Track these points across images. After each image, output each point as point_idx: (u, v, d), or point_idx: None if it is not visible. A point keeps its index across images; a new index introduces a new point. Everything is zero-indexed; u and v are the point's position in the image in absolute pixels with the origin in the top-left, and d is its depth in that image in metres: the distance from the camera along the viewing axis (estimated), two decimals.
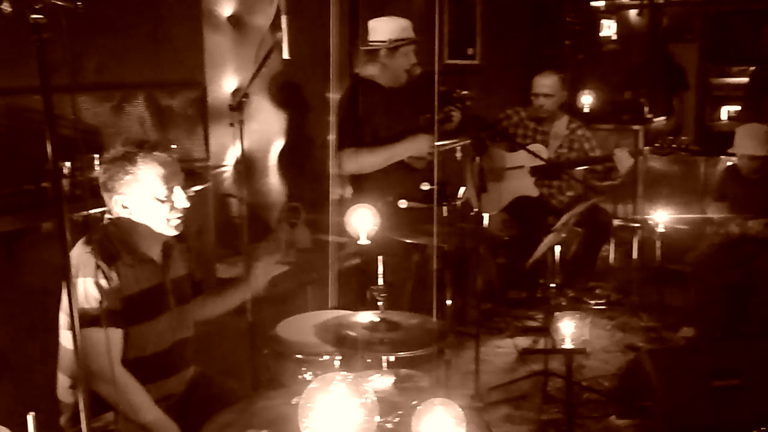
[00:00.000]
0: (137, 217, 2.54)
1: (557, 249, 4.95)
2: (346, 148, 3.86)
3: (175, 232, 2.61)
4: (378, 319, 2.41)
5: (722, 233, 4.82)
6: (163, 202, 2.53)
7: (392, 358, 2.46)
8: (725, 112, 7.41)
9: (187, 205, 2.58)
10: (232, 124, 3.71)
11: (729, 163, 4.95)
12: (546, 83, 5.27)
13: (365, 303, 2.62)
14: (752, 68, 6.58)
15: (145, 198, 2.51)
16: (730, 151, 4.82)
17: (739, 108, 6.75)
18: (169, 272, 2.66)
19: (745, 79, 6.69)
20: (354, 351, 2.29)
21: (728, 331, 4.67)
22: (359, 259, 4.18)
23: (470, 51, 6.40)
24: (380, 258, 2.41)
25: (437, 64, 6.02)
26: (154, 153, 2.52)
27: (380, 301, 2.42)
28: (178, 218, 2.58)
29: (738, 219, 4.74)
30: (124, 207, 2.53)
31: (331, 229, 4.71)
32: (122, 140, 2.58)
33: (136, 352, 2.52)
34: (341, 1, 5.20)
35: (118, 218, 2.55)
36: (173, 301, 2.66)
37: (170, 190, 2.53)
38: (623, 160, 4.85)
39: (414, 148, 3.93)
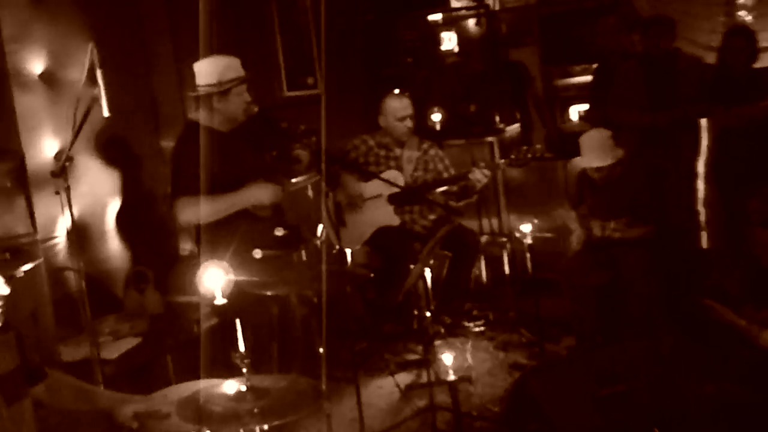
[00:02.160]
0: None
1: (427, 276, 5.02)
2: (181, 197, 3.77)
3: None
4: (244, 388, 2.35)
5: (585, 237, 5.01)
6: None
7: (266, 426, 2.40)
8: (575, 112, 7.72)
9: (6, 291, 2.43)
10: (57, 192, 3.57)
11: (581, 169, 5.16)
12: (405, 104, 5.36)
13: (231, 368, 2.56)
14: (594, 65, 6.90)
15: None
16: (577, 160, 5.02)
17: (587, 106, 7.06)
18: None
19: (589, 78, 7.01)
20: (222, 428, 2.22)
21: (607, 335, 4.85)
22: (216, 320, 4.09)
23: (310, 80, 6.42)
24: (238, 321, 2.35)
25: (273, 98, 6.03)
26: None
27: (244, 367, 2.36)
28: None
29: (599, 222, 4.94)
30: None
31: (185, 289, 4.61)
32: None
33: None
34: (164, 45, 5.13)
35: None
36: (1, 401, 2.50)
37: None
38: (479, 177, 4.97)
39: (255, 197, 3.88)
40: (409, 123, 5.33)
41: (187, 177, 3.74)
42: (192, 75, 3.99)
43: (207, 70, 3.91)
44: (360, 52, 7.09)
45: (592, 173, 4.95)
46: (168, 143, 5.00)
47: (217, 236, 3.84)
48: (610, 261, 4.91)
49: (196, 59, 3.97)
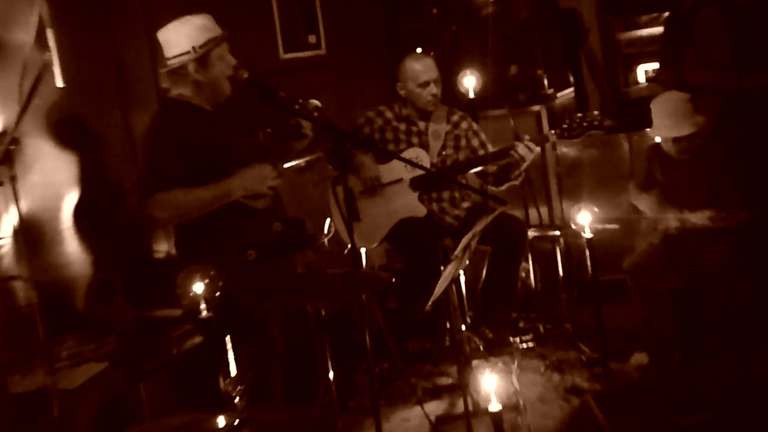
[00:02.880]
0: None
1: (462, 280, 5.00)
2: (155, 193, 3.78)
3: None
4: (236, 423, 2.34)
5: (660, 229, 4.99)
6: None
7: None
8: (642, 72, 7.70)
9: None
10: (1, 183, 3.58)
11: (655, 141, 5.14)
12: (429, 66, 5.35)
13: (221, 398, 2.55)
14: (665, 14, 6.86)
15: None
16: (649, 131, 5.02)
17: (657, 65, 7.02)
18: None
19: (659, 29, 6.97)
20: None
21: (688, 350, 4.82)
22: (201, 338, 4.10)
23: (312, 39, 6.42)
24: (228, 339, 2.34)
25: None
26: None
27: (237, 396, 2.35)
28: None
29: (675, 211, 4.92)
30: None
31: (161, 301, 4.61)
32: None
33: None
34: (133, 6, 5.14)
35: None
36: None
37: None
38: (524, 153, 4.96)
39: (245, 184, 3.88)
40: (434, 89, 5.33)
41: (164, 168, 3.75)
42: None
43: (175, 38, 3.92)
44: (374, 2, 7.08)
45: (666, 147, 4.93)
46: (136, 121, 5.00)
47: (201, 234, 3.85)
48: (691, 258, 4.88)
49: (173, 15, 3.95)
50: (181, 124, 3.85)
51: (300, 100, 3.90)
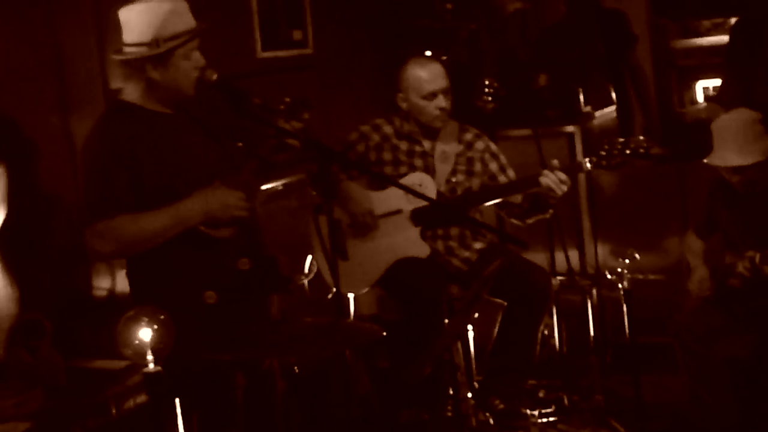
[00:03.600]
0: None
1: (470, 336, 5.01)
2: (96, 221, 3.78)
3: None
4: None
5: (714, 281, 5.00)
6: None
7: None
8: (701, 90, 7.75)
9: None
10: None
11: (717, 174, 5.15)
12: (437, 73, 5.34)
13: None
14: (732, 20, 6.90)
15: None
16: (707, 159, 5.02)
17: (719, 82, 7.07)
18: None
19: (724, 38, 7.01)
20: None
21: None
22: (146, 397, 4.10)
23: (297, 35, 6.45)
24: (178, 401, 2.37)
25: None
26: None
27: None
28: None
29: (741, 257, 4.92)
30: None
31: (99, 349, 4.62)
32: None
33: None
34: None
35: None
36: None
37: None
38: (552, 184, 4.96)
39: (206, 208, 3.87)
40: (442, 102, 5.31)
41: (106, 190, 3.75)
42: (117, 25, 3.99)
43: (137, 21, 3.91)
44: None
45: (729, 177, 4.93)
46: (79, 125, 5.02)
47: (151, 270, 3.85)
48: (755, 319, 4.89)
49: (127, 1, 3.97)
50: (129, 135, 3.82)
51: (287, 99, 3.89)
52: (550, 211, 5.24)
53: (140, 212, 3.76)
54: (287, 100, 3.93)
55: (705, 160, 4.99)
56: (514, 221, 5.37)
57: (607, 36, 7.25)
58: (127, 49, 3.91)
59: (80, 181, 3.93)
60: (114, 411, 4.27)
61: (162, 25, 3.87)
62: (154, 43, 3.86)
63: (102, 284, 5.14)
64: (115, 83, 4.81)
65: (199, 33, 3.94)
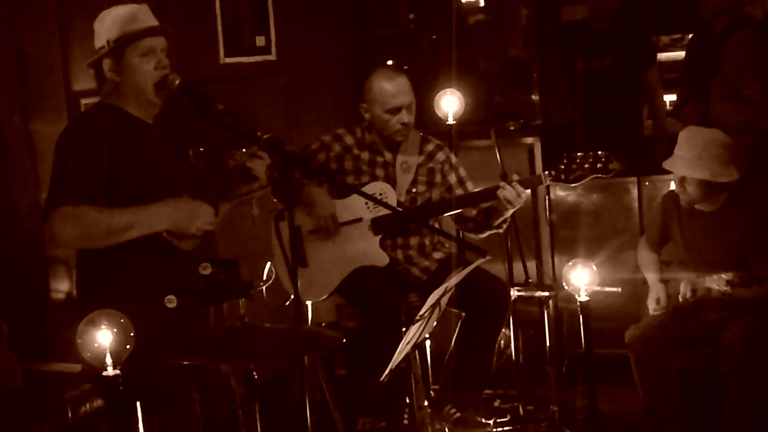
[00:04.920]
0: None
1: (428, 346, 5.03)
2: (63, 206, 3.76)
3: None
4: None
5: (672, 295, 5.05)
6: None
7: None
8: None
9: None
10: None
11: (671, 188, 5.20)
12: (402, 87, 5.31)
13: None
14: (689, 36, 6.96)
15: None
16: (665, 162, 5.06)
17: (674, 97, 7.11)
18: None
19: (681, 54, 7.07)
20: None
21: None
22: (103, 402, 4.09)
23: (261, 41, 6.45)
24: (138, 405, 2.37)
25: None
26: None
27: None
28: None
29: (690, 271, 4.97)
30: None
31: (56, 353, 4.61)
32: None
33: None
34: None
35: None
36: None
37: None
38: (511, 196, 4.98)
39: (173, 218, 3.86)
40: (405, 117, 5.30)
41: (79, 178, 3.73)
42: (84, 22, 3.99)
43: (98, 28, 3.93)
44: (338, 1, 7.13)
45: (680, 191, 5.00)
46: (41, 127, 5.01)
47: (112, 273, 3.83)
48: (707, 333, 4.94)
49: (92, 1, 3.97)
50: (109, 133, 3.82)
51: (259, 133, 3.88)
52: (504, 225, 5.27)
53: (110, 208, 3.75)
54: (259, 134, 3.92)
55: (663, 164, 5.03)
56: (469, 234, 5.41)
57: (566, 48, 7.24)
58: (97, 54, 3.93)
59: (53, 170, 3.89)
60: (70, 414, 4.25)
61: (111, 27, 3.88)
62: (107, 44, 3.88)
63: (60, 287, 5.12)
64: (78, 85, 4.80)
65: (150, 32, 3.93)
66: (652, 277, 5.24)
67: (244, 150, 4.03)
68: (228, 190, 4.10)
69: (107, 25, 3.90)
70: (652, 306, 5.16)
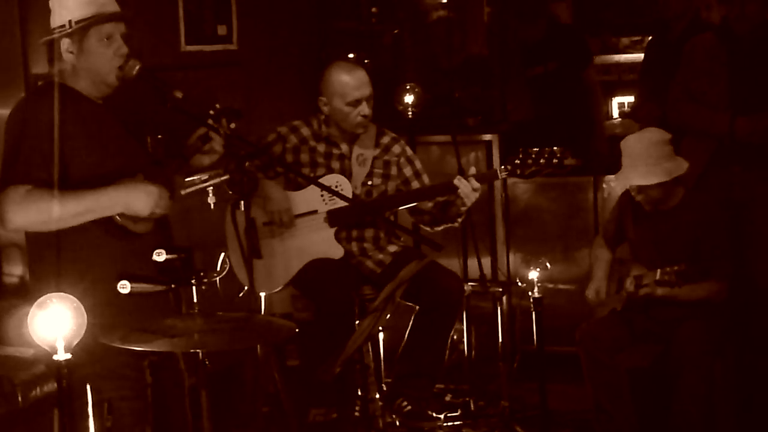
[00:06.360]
0: None
1: (381, 338, 5.05)
2: (13, 186, 3.73)
3: None
4: None
5: (620, 293, 5.09)
6: None
7: None
8: (616, 105, 7.83)
9: None
10: None
11: (623, 189, 5.24)
12: (361, 80, 5.34)
13: None
14: (648, 38, 7.01)
15: None
16: (613, 177, 5.11)
17: (633, 98, 7.17)
18: None
19: (640, 56, 7.12)
20: None
21: None
22: (55, 385, 4.08)
23: (222, 30, 6.44)
24: (89, 388, 2.38)
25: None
26: None
27: None
28: None
29: (640, 269, 5.01)
30: None
31: (7, 337, 4.60)
32: None
33: None
34: None
35: None
36: None
37: None
38: (467, 191, 5.01)
39: (127, 201, 3.84)
40: (365, 110, 5.33)
41: (29, 159, 3.71)
42: (45, 4, 3.97)
43: (58, 6, 3.91)
44: None
45: (635, 194, 5.04)
46: (1, 111, 4.99)
47: (66, 256, 3.82)
48: (657, 332, 4.99)
49: None
50: (61, 113, 3.79)
51: (217, 105, 3.89)
52: (460, 219, 5.30)
53: (62, 191, 3.73)
54: (217, 106, 3.93)
55: (612, 177, 5.06)
56: (424, 227, 5.44)
57: (560, 50, 7.28)
58: (54, 33, 3.91)
59: (3, 150, 3.87)
60: (20, 399, 4.24)
61: (74, 8, 3.86)
62: (68, 24, 3.86)
63: (13, 271, 5.10)
64: (37, 68, 4.79)
65: (114, 17, 3.92)
66: (599, 272, 5.28)
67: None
68: (184, 168, 4.11)
69: (70, 5, 3.88)
70: (591, 295, 5.21)
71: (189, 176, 4.03)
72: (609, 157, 6.43)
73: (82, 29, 3.87)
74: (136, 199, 3.81)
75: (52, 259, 3.87)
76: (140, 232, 3.87)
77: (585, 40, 7.33)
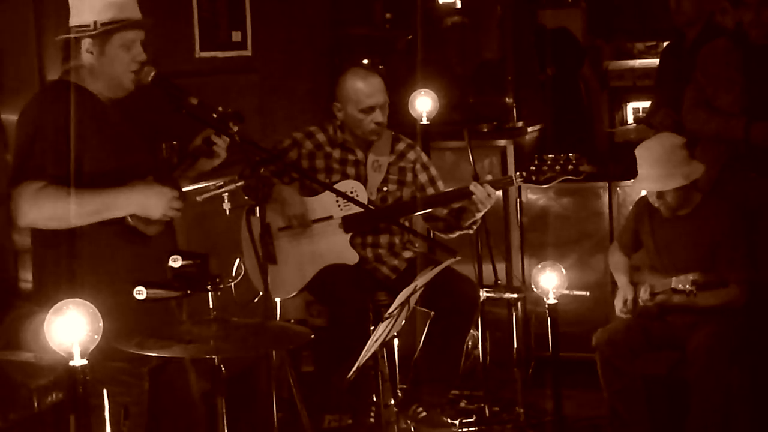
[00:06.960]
0: None
1: (395, 345, 5.04)
2: (27, 181, 3.73)
3: None
4: None
5: (637, 300, 5.08)
6: None
7: None
8: (631, 111, 7.82)
9: None
10: None
11: (642, 194, 5.23)
12: (376, 87, 5.34)
13: None
14: (664, 44, 7.00)
15: None
16: (632, 182, 5.09)
17: (648, 104, 7.15)
18: None
19: (655, 61, 7.10)
20: None
21: None
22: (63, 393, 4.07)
23: (236, 36, 6.44)
24: (105, 392, 2.38)
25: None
26: None
27: None
28: None
29: (658, 276, 5.00)
30: None
31: (23, 343, 4.59)
32: None
33: None
34: None
35: None
36: None
37: None
38: (482, 197, 5.01)
39: (139, 202, 3.84)
40: (379, 117, 5.33)
41: (42, 155, 3.71)
42: (61, 8, 3.97)
43: (80, 5, 3.91)
44: (322, 2, 7.13)
45: (653, 200, 5.02)
46: (12, 116, 4.98)
47: (75, 261, 3.81)
48: (673, 338, 4.97)
49: None
50: (73, 110, 3.79)
51: (220, 108, 3.89)
52: (475, 226, 5.30)
53: (76, 189, 3.72)
54: (219, 109, 3.93)
55: (630, 182, 5.05)
56: (439, 234, 5.43)
57: (555, 54, 7.29)
58: (74, 31, 3.90)
59: (15, 148, 3.86)
60: (36, 404, 4.23)
61: (101, 10, 3.86)
62: (93, 25, 3.86)
63: (29, 276, 5.09)
64: (51, 75, 4.79)
65: (141, 25, 3.93)
66: (622, 278, 5.26)
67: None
68: (192, 168, 4.11)
69: (96, 6, 3.88)
70: (619, 306, 5.19)
71: (195, 180, 4.04)
72: (624, 161, 6.42)
73: (106, 32, 3.87)
74: (150, 201, 3.81)
75: (62, 264, 3.87)
76: (151, 234, 3.87)
77: (576, 40, 7.33)
